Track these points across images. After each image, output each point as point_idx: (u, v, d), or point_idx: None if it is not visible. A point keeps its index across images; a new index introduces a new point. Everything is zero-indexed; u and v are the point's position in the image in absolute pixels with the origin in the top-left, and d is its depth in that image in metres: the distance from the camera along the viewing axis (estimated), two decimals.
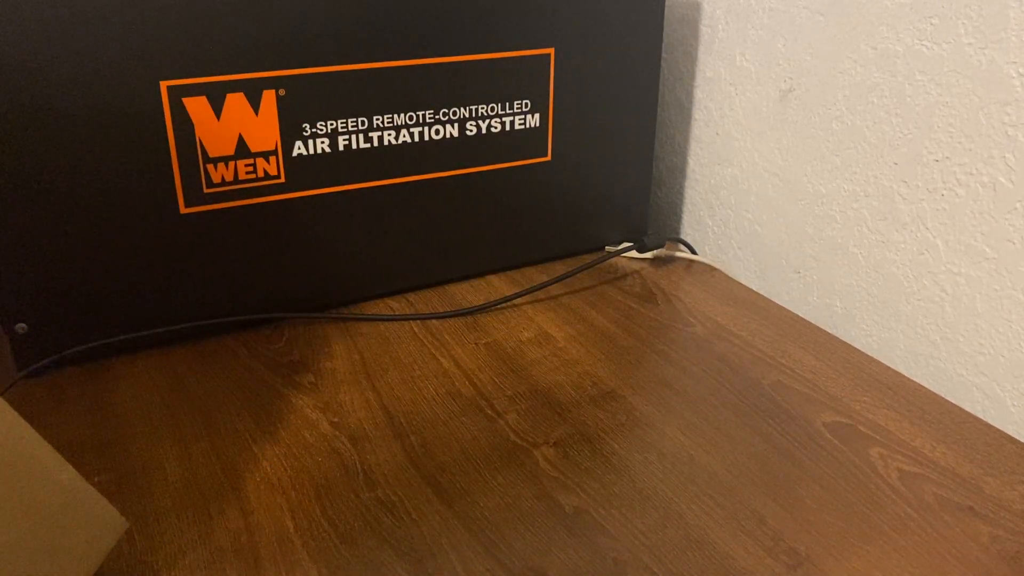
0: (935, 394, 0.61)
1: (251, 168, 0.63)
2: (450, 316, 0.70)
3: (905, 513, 0.49)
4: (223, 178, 0.62)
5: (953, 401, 0.61)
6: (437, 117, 0.69)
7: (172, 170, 0.60)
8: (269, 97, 0.62)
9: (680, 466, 0.52)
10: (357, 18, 0.63)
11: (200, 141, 0.60)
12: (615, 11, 0.74)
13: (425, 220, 0.72)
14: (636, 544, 0.46)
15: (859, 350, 0.66)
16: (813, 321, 0.73)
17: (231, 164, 0.62)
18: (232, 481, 0.51)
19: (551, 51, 0.72)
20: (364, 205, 0.68)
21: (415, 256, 0.73)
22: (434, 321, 0.69)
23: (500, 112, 0.72)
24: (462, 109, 0.70)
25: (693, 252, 0.83)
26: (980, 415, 0.61)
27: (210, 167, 0.61)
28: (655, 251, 0.81)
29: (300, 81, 0.62)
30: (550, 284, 0.75)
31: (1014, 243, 0.58)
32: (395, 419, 0.57)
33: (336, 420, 0.56)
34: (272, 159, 0.63)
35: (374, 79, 0.65)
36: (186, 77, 0.58)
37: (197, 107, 0.60)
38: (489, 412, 0.57)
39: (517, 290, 0.74)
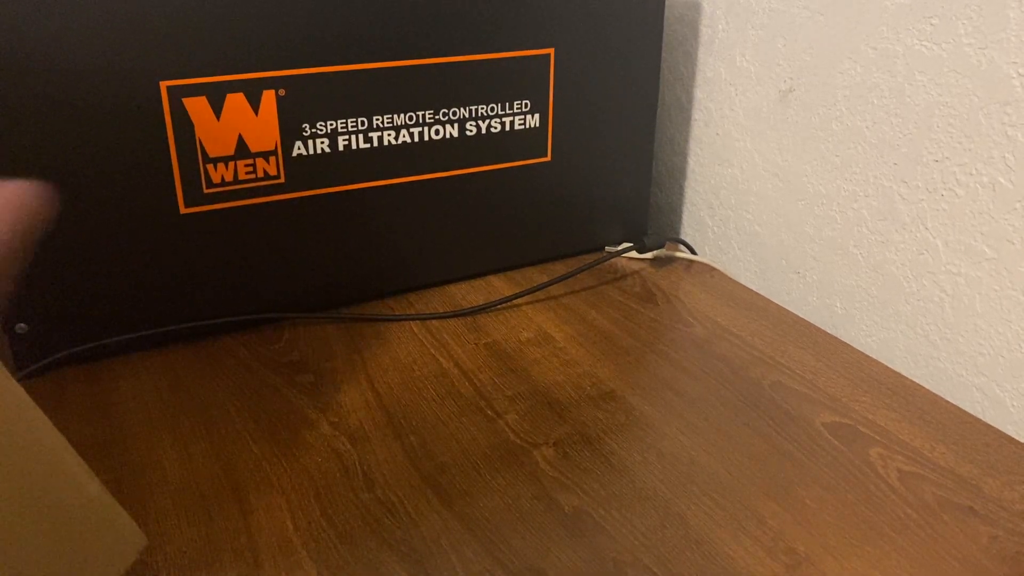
0: (935, 394, 0.61)
1: (251, 168, 0.63)
2: (450, 316, 0.70)
3: (905, 513, 0.49)
4: (223, 178, 0.62)
5: (953, 401, 0.61)
6: (437, 117, 0.69)
7: (172, 170, 0.60)
8: (269, 97, 0.62)
9: (680, 466, 0.53)
10: (357, 18, 0.63)
11: (200, 141, 0.60)
12: (615, 11, 0.74)
13: (425, 220, 0.72)
14: (636, 544, 0.46)
15: (859, 350, 0.66)
16: (813, 321, 0.73)
17: (231, 164, 0.62)
18: (232, 481, 0.51)
19: (551, 51, 0.72)
20: (364, 205, 0.68)
21: (415, 256, 0.73)
22: (434, 321, 0.69)
23: (500, 112, 0.72)
24: (462, 109, 0.70)
25: (693, 252, 0.83)
26: (980, 415, 0.61)
27: (210, 167, 0.61)
28: (655, 251, 0.81)
29: (300, 81, 0.62)
30: (550, 284, 0.75)
31: (1014, 243, 0.58)
32: (395, 419, 0.57)
33: (336, 420, 0.56)
34: (272, 159, 0.63)
35: (374, 79, 0.65)
36: (186, 77, 0.58)
37: (197, 107, 0.60)
38: (489, 412, 0.58)
39: (517, 290, 0.74)
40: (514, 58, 0.71)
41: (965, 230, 0.61)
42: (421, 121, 0.68)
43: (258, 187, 0.64)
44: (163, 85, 0.58)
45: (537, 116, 0.74)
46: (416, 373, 0.62)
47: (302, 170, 0.65)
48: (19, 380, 0.60)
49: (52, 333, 0.60)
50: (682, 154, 0.87)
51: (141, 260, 0.61)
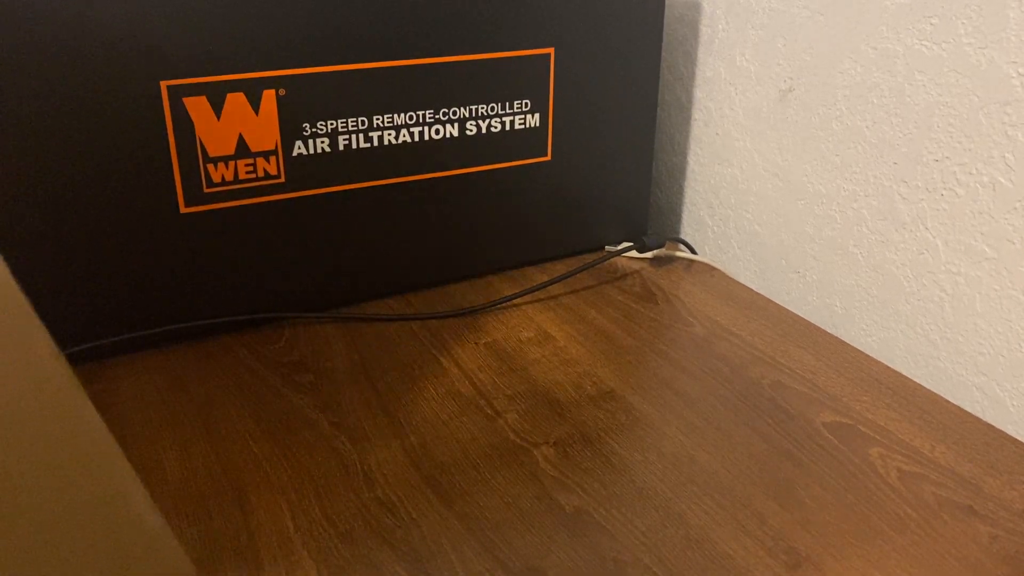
0: (935, 394, 0.61)
1: (251, 168, 0.63)
2: (450, 316, 0.70)
3: (905, 513, 0.49)
4: (223, 178, 0.62)
5: (953, 401, 0.61)
6: (437, 117, 0.69)
7: (172, 170, 0.60)
8: (269, 97, 0.62)
9: (680, 466, 0.53)
10: (357, 18, 0.63)
11: (200, 141, 0.60)
12: (615, 11, 0.74)
13: (425, 220, 0.72)
14: (636, 544, 0.46)
15: (859, 350, 0.66)
16: (813, 321, 0.73)
17: (231, 164, 0.62)
18: (232, 481, 0.51)
19: (551, 51, 0.72)
20: (364, 205, 0.68)
21: (415, 256, 0.73)
22: (434, 321, 0.69)
23: (500, 112, 0.72)
24: (462, 109, 0.70)
25: (693, 252, 0.83)
26: (980, 415, 0.61)
27: (210, 167, 0.61)
28: (655, 251, 0.81)
29: (300, 81, 0.62)
30: (550, 284, 0.75)
31: (1014, 243, 0.58)
32: (395, 419, 0.57)
33: (336, 420, 0.56)
34: (272, 159, 0.63)
35: (374, 79, 0.65)
36: (186, 77, 0.58)
37: (197, 107, 0.60)
38: (489, 412, 0.58)
39: (517, 290, 0.74)
40: (514, 58, 0.71)
41: (965, 230, 0.61)
42: (421, 121, 0.68)
43: (258, 187, 0.64)
44: (163, 85, 0.58)
45: (537, 116, 0.74)
46: (416, 373, 0.62)
47: (302, 170, 0.65)
48: None
49: (52, 333, 0.60)
50: (682, 154, 0.87)
51: (141, 260, 0.61)
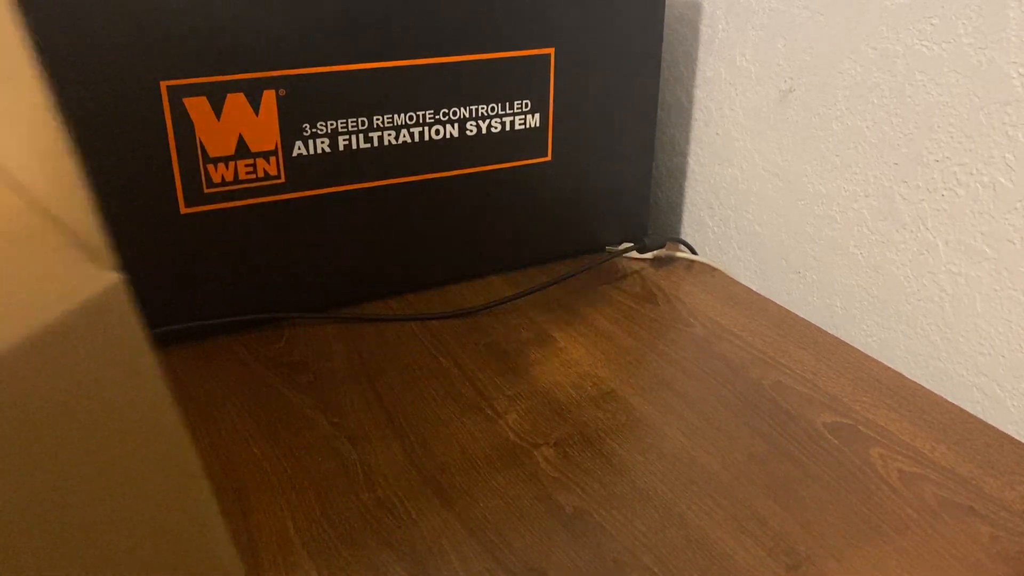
0: (935, 394, 0.61)
1: (251, 168, 0.63)
2: (450, 316, 0.70)
3: (905, 513, 0.49)
4: (223, 178, 0.62)
5: (953, 401, 0.61)
6: (437, 117, 0.69)
7: (172, 170, 0.60)
8: (269, 97, 0.62)
9: (680, 466, 0.52)
10: (357, 18, 0.63)
11: (200, 141, 0.60)
12: (615, 11, 0.74)
13: (425, 220, 0.72)
14: (636, 544, 0.46)
15: (859, 350, 0.66)
16: (813, 321, 0.73)
17: (231, 164, 0.62)
18: (232, 481, 0.51)
19: (551, 51, 0.72)
20: (364, 205, 0.68)
21: (415, 256, 0.73)
22: (434, 321, 0.69)
23: (500, 112, 0.72)
24: (462, 109, 0.70)
25: (693, 252, 0.83)
26: (980, 415, 0.61)
27: (210, 167, 0.61)
28: (655, 251, 0.81)
29: (300, 81, 0.62)
30: (550, 285, 0.75)
31: (1014, 243, 0.58)
32: (395, 419, 0.57)
33: (336, 420, 0.56)
34: (272, 159, 0.63)
35: (374, 79, 0.65)
36: (186, 77, 0.58)
37: (197, 107, 0.60)
38: (489, 412, 0.57)
39: (517, 291, 0.74)
40: (514, 58, 0.71)
41: (965, 230, 0.61)
42: (421, 121, 0.68)
43: (258, 187, 0.64)
44: (163, 85, 0.58)
45: (537, 116, 0.74)
46: (416, 373, 0.62)
47: (302, 170, 0.65)
48: None
49: None
50: (682, 154, 0.87)
51: (141, 260, 0.61)
